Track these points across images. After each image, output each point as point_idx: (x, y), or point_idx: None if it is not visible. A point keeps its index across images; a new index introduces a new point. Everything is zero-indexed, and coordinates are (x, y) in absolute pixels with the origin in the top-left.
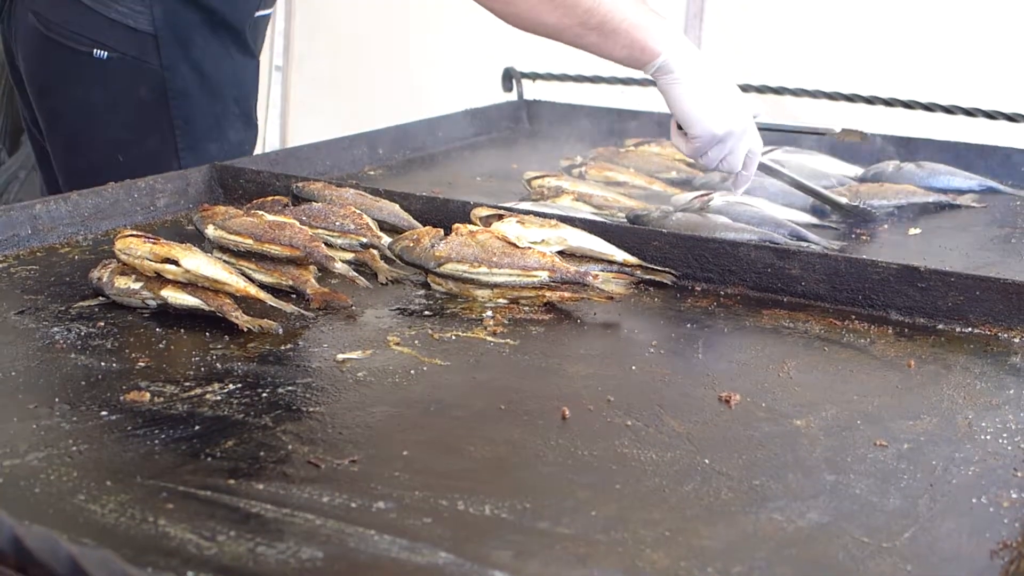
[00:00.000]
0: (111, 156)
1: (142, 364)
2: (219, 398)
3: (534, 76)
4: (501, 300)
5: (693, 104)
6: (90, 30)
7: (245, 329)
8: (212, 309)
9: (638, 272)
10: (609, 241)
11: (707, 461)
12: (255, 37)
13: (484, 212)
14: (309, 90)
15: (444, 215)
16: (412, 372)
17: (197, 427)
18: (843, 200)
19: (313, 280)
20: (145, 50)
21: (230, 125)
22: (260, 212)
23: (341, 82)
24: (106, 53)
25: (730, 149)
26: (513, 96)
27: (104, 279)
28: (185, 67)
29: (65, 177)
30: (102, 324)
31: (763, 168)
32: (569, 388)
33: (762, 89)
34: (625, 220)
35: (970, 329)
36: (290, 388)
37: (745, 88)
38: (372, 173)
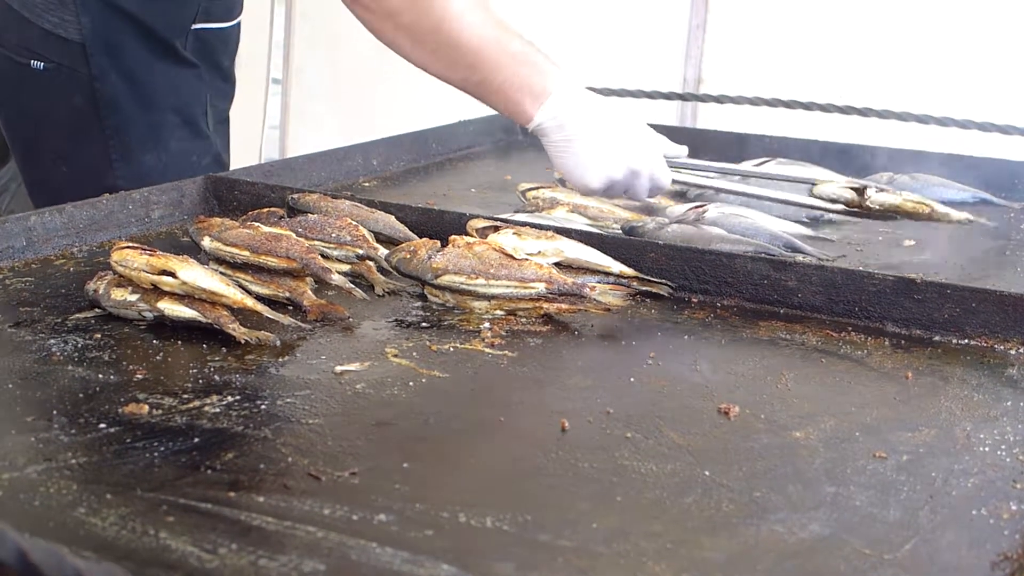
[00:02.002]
0: (57, 167)
1: (140, 376)
2: (218, 410)
3: None
4: (498, 312)
5: (567, 164)
6: (27, 41)
7: (242, 341)
8: (209, 321)
9: (634, 284)
10: (605, 253)
11: (707, 473)
12: (204, 50)
13: (480, 224)
14: (308, 103)
15: (440, 227)
16: (411, 384)
17: (196, 439)
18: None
19: (310, 292)
20: (76, 60)
21: (170, 135)
22: (256, 224)
23: (340, 94)
24: (42, 64)
25: (625, 190)
26: None
27: (100, 291)
28: (115, 76)
29: (27, 188)
30: (99, 336)
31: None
32: (568, 400)
33: (755, 101)
34: (620, 231)
35: (967, 341)
36: (289, 400)
37: (740, 100)
38: (367, 184)
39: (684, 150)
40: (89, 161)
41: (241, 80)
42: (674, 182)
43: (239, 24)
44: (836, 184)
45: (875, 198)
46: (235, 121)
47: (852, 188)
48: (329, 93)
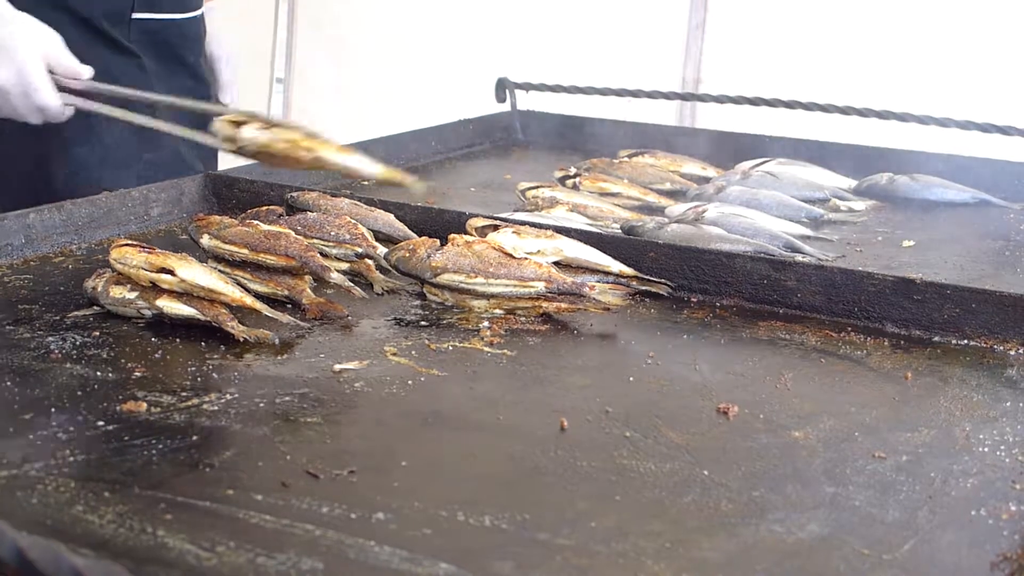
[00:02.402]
0: None
1: (138, 374)
2: (216, 408)
3: (527, 87)
4: (497, 311)
5: None
6: None
7: (241, 339)
8: (208, 319)
9: (634, 283)
10: (604, 252)
11: (706, 472)
12: (153, 43)
13: (480, 223)
14: (310, 102)
15: (439, 225)
16: (410, 383)
17: (195, 437)
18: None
19: (309, 290)
20: None
21: (104, 127)
22: (255, 222)
23: (342, 93)
24: None
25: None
26: (506, 107)
27: (99, 289)
28: None
29: None
30: (97, 334)
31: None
32: (567, 399)
33: (755, 101)
34: (620, 231)
35: (966, 341)
36: (287, 399)
37: (740, 100)
38: (366, 183)
39: (86, 71)
40: (27, 155)
41: (245, 79)
42: (69, 105)
43: (200, 18)
44: (219, 120)
45: (246, 137)
46: None
47: (232, 121)
48: (331, 92)
